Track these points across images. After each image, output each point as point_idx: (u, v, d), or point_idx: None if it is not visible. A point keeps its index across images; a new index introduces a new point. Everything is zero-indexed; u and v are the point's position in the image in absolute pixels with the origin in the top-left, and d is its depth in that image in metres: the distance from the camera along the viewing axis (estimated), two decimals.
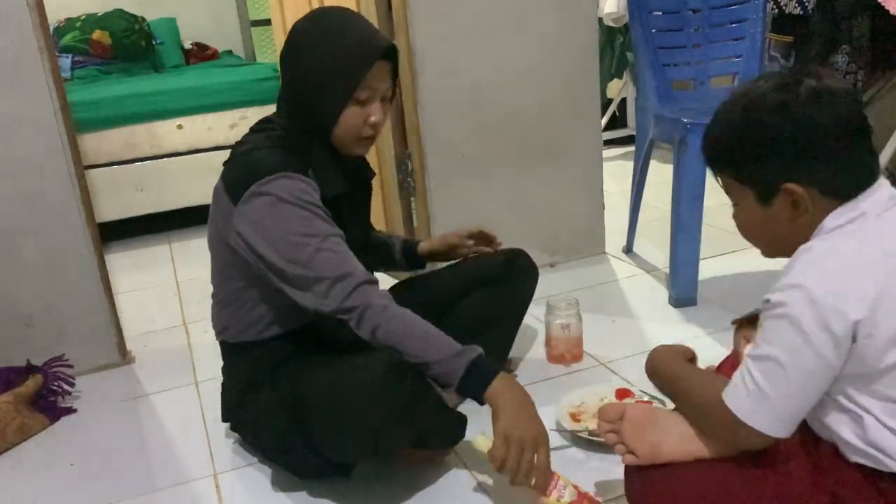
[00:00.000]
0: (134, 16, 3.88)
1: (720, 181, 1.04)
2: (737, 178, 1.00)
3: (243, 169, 1.35)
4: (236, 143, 1.45)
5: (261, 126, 1.44)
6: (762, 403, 0.92)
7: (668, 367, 1.11)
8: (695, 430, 1.06)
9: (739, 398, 0.93)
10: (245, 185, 1.30)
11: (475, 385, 1.26)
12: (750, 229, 1.03)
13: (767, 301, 0.92)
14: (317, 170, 1.36)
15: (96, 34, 3.64)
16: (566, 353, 1.79)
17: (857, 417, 0.92)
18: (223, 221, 1.37)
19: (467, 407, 1.43)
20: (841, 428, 0.94)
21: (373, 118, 1.35)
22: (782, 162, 0.94)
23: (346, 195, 1.42)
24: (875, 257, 0.89)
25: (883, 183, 0.95)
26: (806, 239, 0.94)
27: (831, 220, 0.93)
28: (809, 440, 1.01)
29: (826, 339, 0.87)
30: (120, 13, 3.83)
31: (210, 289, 1.55)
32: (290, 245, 1.28)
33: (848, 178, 0.93)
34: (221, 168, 1.41)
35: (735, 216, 1.04)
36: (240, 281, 1.42)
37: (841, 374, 0.91)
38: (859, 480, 0.93)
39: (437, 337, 1.28)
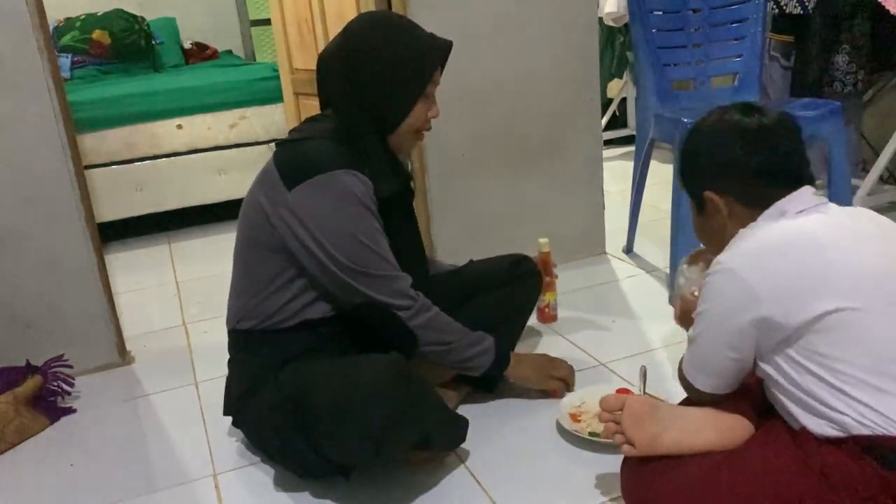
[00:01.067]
0: (133, 16, 3.87)
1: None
2: (685, 190, 1.24)
3: (303, 157, 1.39)
4: (292, 129, 1.50)
5: (316, 118, 1.47)
6: (693, 362, 1.14)
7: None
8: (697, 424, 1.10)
9: (685, 359, 1.17)
10: (304, 174, 1.34)
11: (502, 364, 1.53)
12: (697, 232, 1.27)
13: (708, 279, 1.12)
14: (373, 168, 1.39)
15: (96, 34, 3.63)
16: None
17: (802, 380, 1.01)
18: (270, 203, 1.40)
19: (467, 411, 1.43)
20: (796, 395, 1.02)
21: (434, 112, 1.47)
22: (704, 176, 1.18)
23: (399, 195, 1.47)
24: (785, 241, 1.05)
25: (807, 189, 1.11)
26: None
27: (760, 220, 1.10)
28: (790, 429, 1.05)
29: (733, 304, 1.05)
30: (119, 13, 3.83)
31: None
32: (351, 241, 1.34)
33: (764, 190, 1.11)
34: (275, 155, 1.47)
35: (692, 223, 1.27)
36: (276, 266, 1.41)
37: (769, 340, 1.03)
38: (841, 458, 0.97)
39: (468, 330, 1.49)
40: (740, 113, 1.15)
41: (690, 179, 1.22)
